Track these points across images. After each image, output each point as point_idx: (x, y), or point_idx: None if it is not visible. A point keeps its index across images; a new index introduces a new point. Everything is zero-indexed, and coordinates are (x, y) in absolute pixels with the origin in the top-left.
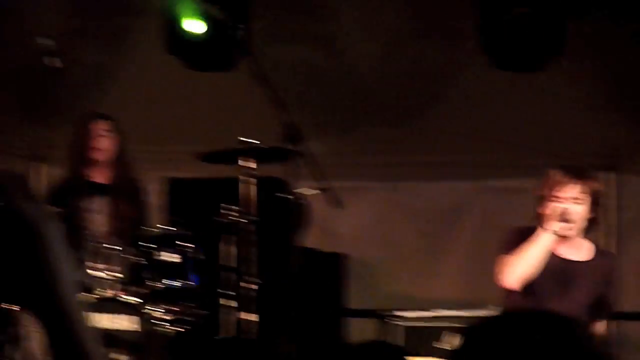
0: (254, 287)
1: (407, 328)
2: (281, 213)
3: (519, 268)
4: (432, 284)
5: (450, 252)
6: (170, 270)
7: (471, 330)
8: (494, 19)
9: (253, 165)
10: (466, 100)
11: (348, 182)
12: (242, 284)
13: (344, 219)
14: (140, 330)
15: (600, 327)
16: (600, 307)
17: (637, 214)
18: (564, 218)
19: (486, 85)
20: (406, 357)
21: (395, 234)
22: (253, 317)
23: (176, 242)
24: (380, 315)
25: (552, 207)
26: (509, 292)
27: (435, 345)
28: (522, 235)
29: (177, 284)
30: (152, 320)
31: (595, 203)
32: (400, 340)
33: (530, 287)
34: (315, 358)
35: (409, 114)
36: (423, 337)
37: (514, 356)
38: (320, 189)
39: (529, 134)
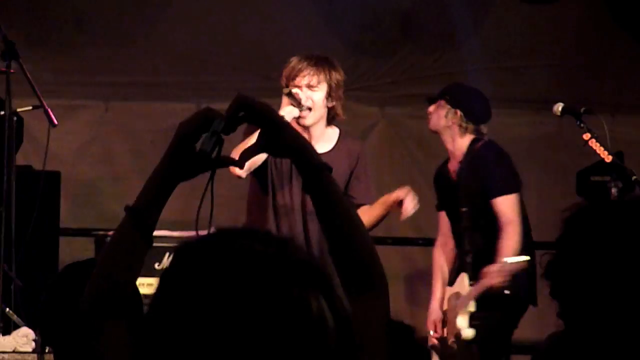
0: None
1: None
2: None
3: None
4: None
5: None
6: None
7: (183, 247)
8: None
9: None
10: (183, 22)
11: (62, 100)
12: None
13: (58, 137)
14: None
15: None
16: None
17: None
18: (295, 103)
19: (204, 7)
20: None
21: (110, 154)
22: None
23: None
24: (95, 235)
25: (285, 94)
26: (250, 189)
27: (156, 267)
28: None
29: None
30: None
31: (333, 92)
32: None
33: (271, 182)
34: (34, 278)
35: (126, 34)
36: None
37: (229, 271)
38: (34, 107)
39: (246, 57)
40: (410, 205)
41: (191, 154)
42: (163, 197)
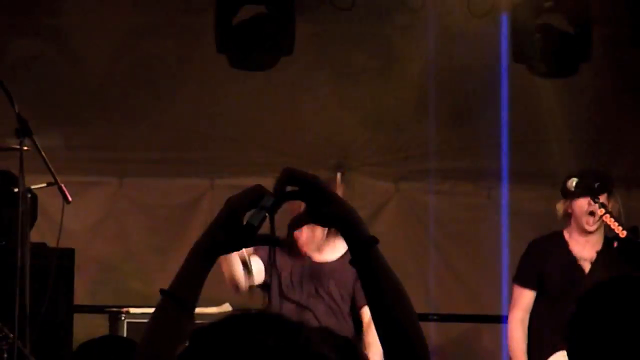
0: None
1: (136, 324)
2: (8, 207)
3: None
4: (161, 280)
5: (180, 249)
6: None
7: (197, 333)
8: (228, 17)
9: None
10: (197, 98)
11: (76, 177)
12: None
13: (72, 213)
14: None
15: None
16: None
17: (369, 211)
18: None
19: (218, 83)
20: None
21: (124, 230)
22: None
23: None
24: (109, 312)
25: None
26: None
27: None
28: None
29: None
30: None
31: None
32: (128, 337)
33: (280, 291)
34: (48, 355)
35: (139, 111)
36: None
37: (242, 357)
38: (48, 183)
39: (260, 133)
40: None
41: (238, 228)
42: (204, 271)
